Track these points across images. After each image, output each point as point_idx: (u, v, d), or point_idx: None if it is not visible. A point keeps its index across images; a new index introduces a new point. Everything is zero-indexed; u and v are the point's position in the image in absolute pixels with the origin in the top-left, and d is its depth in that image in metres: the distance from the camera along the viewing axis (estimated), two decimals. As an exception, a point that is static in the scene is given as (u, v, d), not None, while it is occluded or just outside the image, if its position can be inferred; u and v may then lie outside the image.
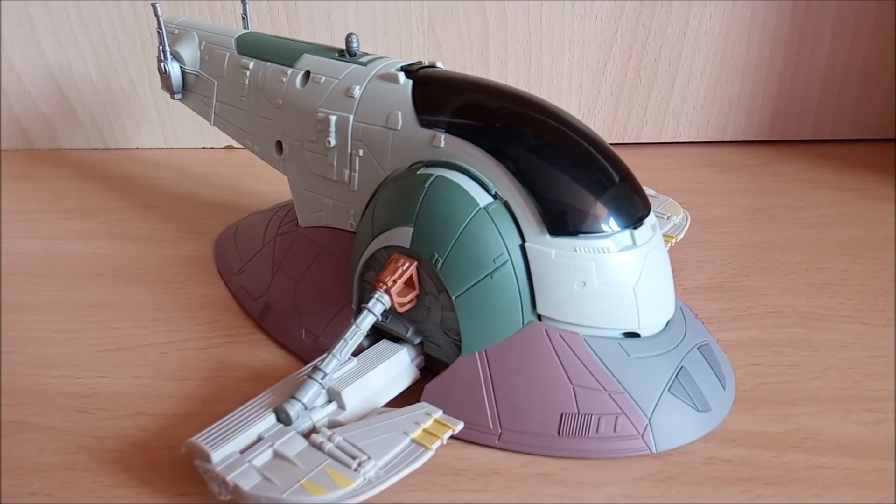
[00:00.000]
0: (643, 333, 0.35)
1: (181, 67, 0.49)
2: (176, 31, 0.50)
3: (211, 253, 0.52)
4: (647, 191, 0.54)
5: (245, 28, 0.52)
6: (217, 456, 0.29)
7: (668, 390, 0.34)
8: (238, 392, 0.38)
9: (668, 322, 0.36)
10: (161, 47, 0.48)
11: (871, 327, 0.42)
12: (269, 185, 0.62)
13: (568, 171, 0.34)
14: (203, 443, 0.30)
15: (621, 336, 0.35)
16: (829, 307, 0.45)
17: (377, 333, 0.38)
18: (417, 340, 0.37)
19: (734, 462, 0.33)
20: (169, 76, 0.49)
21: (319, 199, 0.42)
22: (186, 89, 0.50)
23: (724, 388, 0.36)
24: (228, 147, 0.73)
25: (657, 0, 0.66)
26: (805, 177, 0.65)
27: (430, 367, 0.37)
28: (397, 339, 0.37)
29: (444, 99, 0.37)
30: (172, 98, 0.51)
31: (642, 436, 0.33)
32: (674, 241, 0.48)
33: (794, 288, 0.47)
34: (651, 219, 0.36)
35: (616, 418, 0.33)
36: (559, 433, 0.33)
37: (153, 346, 0.41)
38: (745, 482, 0.32)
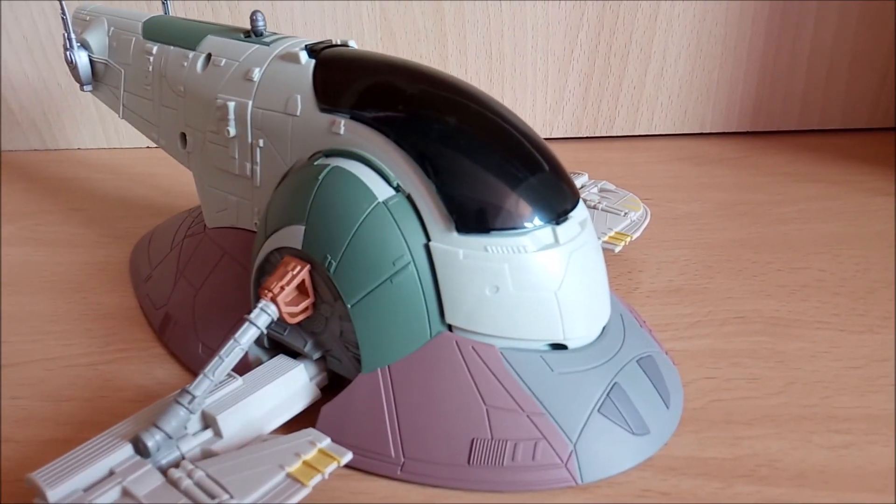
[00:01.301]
0: (570, 345, 0.30)
1: (89, 56, 0.45)
2: (87, 18, 0.46)
3: (127, 259, 0.48)
4: (605, 185, 0.50)
5: (165, 13, 0.48)
6: (54, 495, 0.25)
7: (598, 410, 0.29)
8: (120, 415, 0.33)
9: (602, 331, 0.32)
10: (66, 35, 0.44)
11: (847, 334, 0.38)
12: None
13: (479, 160, 0.29)
14: (42, 479, 0.26)
15: (546, 348, 0.30)
16: (801, 311, 0.40)
17: (277, 347, 0.33)
18: (317, 355, 0.32)
19: (672, 495, 0.28)
20: (76, 66, 0.45)
21: (224, 196, 0.38)
22: (96, 80, 0.46)
23: (668, 407, 0.31)
24: (173, 146, 0.68)
25: (625, -21, 0.61)
26: (786, 170, 0.60)
27: (337, 385, 0.33)
28: (297, 354, 0.33)
29: (346, 80, 0.33)
30: (82, 89, 0.46)
31: (566, 464, 0.28)
32: (628, 239, 0.43)
33: (763, 290, 0.42)
34: (579, 213, 0.31)
35: (535, 444, 0.28)
36: (469, 462, 0.28)
37: (39, 362, 0.37)
38: (684, 519, 0.27)
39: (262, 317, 0.29)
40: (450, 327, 0.30)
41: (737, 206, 0.53)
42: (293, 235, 0.30)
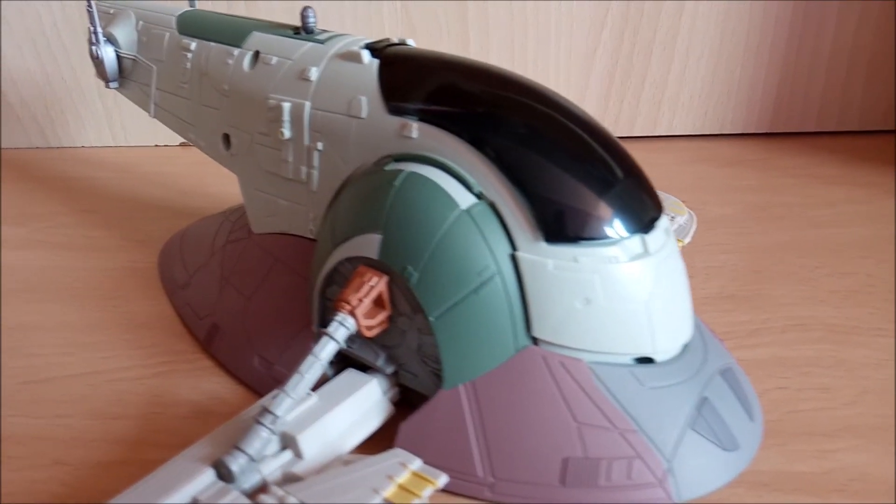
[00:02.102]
0: (658, 358, 0.29)
1: (116, 51, 0.43)
2: (111, 11, 0.44)
3: (155, 264, 0.45)
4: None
5: (192, 6, 0.46)
6: (136, 528, 0.23)
7: (691, 427, 0.28)
8: (175, 433, 0.32)
9: (685, 343, 0.31)
10: (92, 29, 0.42)
11: (907, 341, 0.37)
12: (223, 185, 0.56)
13: (566, 166, 0.28)
14: (120, 510, 0.24)
15: (632, 362, 0.29)
16: (858, 318, 0.39)
17: (343, 360, 0.32)
18: (390, 370, 0.31)
19: (770, 512, 0.27)
20: (102, 62, 0.43)
21: (274, 200, 0.36)
22: (123, 76, 0.44)
23: (752, 420, 0.31)
24: (184, 144, 0.66)
25: (650, -21, 0.60)
26: (811, 171, 0.60)
27: (406, 400, 0.31)
28: (366, 367, 0.31)
29: (417, 81, 0.31)
30: (107, 87, 0.44)
31: (661, 483, 0.27)
32: (680, 245, 0.42)
33: (815, 296, 0.42)
34: (664, 221, 0.30)
35: (630, 462, 0.27)
36: (563, 482, 0.27)
37: (80, 376, 0.35)
38: (786, 538, 0.26)
39: (341, 330, 0.28)
40: (534, 340, 0.28)
41: (770, 209, 0.53)
42: (367, 244, 0.29)
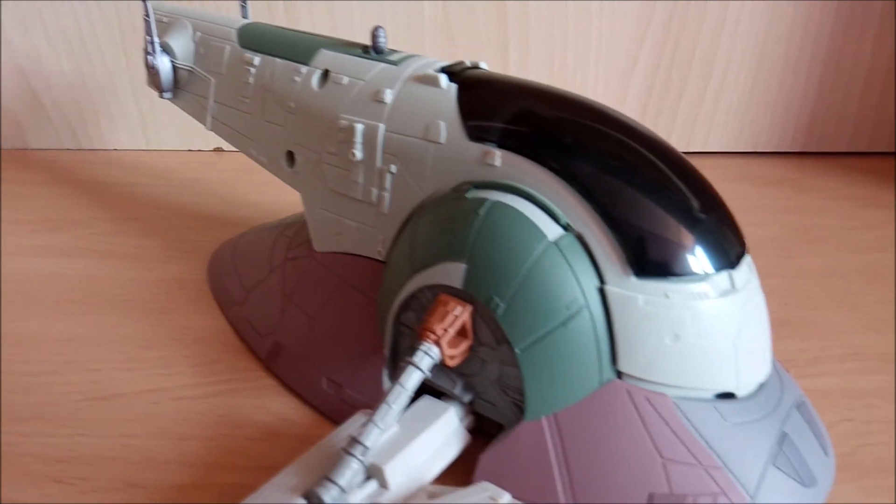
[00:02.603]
0: (739, 394, 0.29)
1: (172, 62, 0.42)
2: (165, 20, 0.44)
3: (204, 275, 0.45)
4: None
5: (244, 17, 0.45)
6: (234, 562, 0.23)
7: (773, 463, 0.28)
8: (247, 455, 0.31)
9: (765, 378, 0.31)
10: (149, 38, 0.42)
11: (967, 374, 0.38)
12: (264, 193, 0.56)
13: (657, 199, 0.28)
14: (214, 543, 0.24)
15: (714, 397, 0.29)
16: (913, 348, 0.40)
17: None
18: (468, 398, 0.30)
19: (853, 552, 0.27)
20: (158, 72, 0.42)
21: (340, 220, 0.36)
22: (178, 87, 0.44)
23: (827, 455, 0.31)
24: (217, 149, 0.66)
25: (692, -5, 0.60)
26: (847, 193, 0.60)
27: (479, 427, 0.31)
28: (440, 393, 0.31)
29: (499, 107, 0.31)
30: (161, 96, 0.44)
31: (745, 520, 0.27)
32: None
33: (869, 325, 0.42)
34: (747, 257, 0.30)
35: (715, 499, 0.27)
36: (647, 517, 0.27)
37: (143, 393, 0.35)
38: (872, 579, 0.26)
39: (426, 360, 0.28)
40: (619, 373, 0.28)
41: (814, 232, 0.53)
42: (450, 273, 0.29)
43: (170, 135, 0.65)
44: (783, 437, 0.29)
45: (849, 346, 0.40)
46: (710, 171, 0.69)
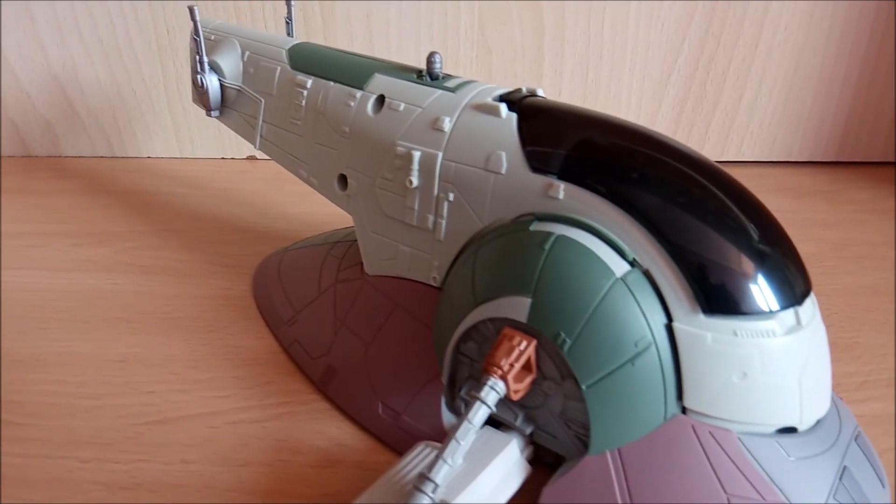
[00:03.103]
0: (801, 428, 0.29)
1: (220, 81, 0.43)
2: (212, 38, 0.44)
3: (248, 291, 0.45)
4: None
5: (288, 34, 0.45)
6: None
7: (833, 496, 0.28)
8: (308, 483, 0.32)
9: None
10: (198, 57, 0.42)
11: None
12: (299, 204, 0.56)
13: (724, 233, 0.28)
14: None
15: (776, 432, 0.29)
16: (961, 373, 0.40)
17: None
18: (529, 430, 0.31)
19: (918, 589, 0.27)
20: (207, 91, 0.42)
21: (394, 245, 0.36)
22: (225, 105, 0.44)
23: (884, 486, 0.31)
24: (251, 158, 0.66)
25: (731, 4, 0.60)
26: (885, 206, 0.60)
27: (537, 457, 0.31)
28: (499, 424, 0.31)
29: (560, 138, 0.31)
30: (208, 115, 0.44)
31: (809, 556, 0.27)
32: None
33: (914, 347, 0.42)
34: (811, 294, 0.30)
35: (779, 535, 0.27)
36: (713, 554, 0.27)
37: (199, 417, 0.35)
38: None
39: (492, 395, 0.28)
40: (683, 409, 0.28)
41: (853, 248, 0.53)
42: (514, 307, 0.29)
43: (203, 143, 0.65)
44: (843, 471, 0.29)
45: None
46: (745, 181, 0.69)
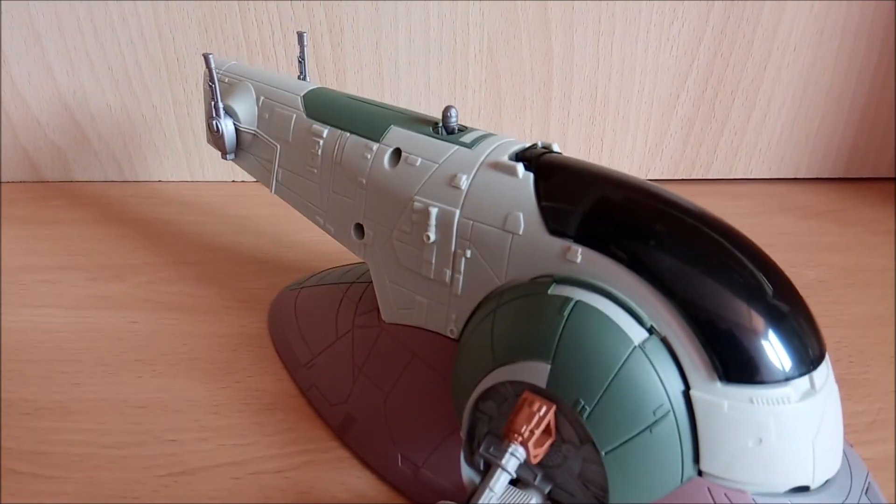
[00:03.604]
0: (814, 486, 0.30)
1: (235, 125, 0.43)
2: (226, 80, 0.44)
3: (264, 328, 0.46)
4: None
5: (301, 73, 0.46)
6: None
7: (846, 555, 0.29)
8: (330, 538, 0.32)
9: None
10: (213, 103, 0.42)
11: None
12: (312, 231, 0.55)
13: (742, 302, 0.28)
14: None
15: (789, 490, 0.30)
16: (970, 411, 0.40)
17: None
18: (548, 489, 0.31)
19: None
20: (222, 135, 0.42)
21: (411, 296, 0.36)
22: (240, 148, 0.44)
23: (894, 538, 0.32)
24: (261, 181, 0.66)
25: (740, 26, 0.60)
26: (892, 227, 0.60)
27: (554, 510, 0.32)
28: (517, 480, 0.32)
29: (578, 202, 0.31)
30: (224, 158, 0.44)
31: None
32: (794, 330, 0.43)
33: (923, 382, 0.42)
34: (826, 354, 0.31)
35: None
36: None
37: (222, 467, 0.36)
38: None
39: (512, 461, 0.29)
40: (700, 472, 0.29)
41: (861, 274, 0.54)
42: (534, 372, 0.29)
43: (213, 166, 0.65)
44: (856, 529, 0.30)
45: (905, 408, 0.40)
46: (751, 201, 0.70)
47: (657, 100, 0.63)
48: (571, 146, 0.65)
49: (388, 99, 0.63)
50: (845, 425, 0.39)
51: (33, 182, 0.66)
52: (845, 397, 0.41)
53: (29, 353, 0.44)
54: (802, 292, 0.51)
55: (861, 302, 0.50)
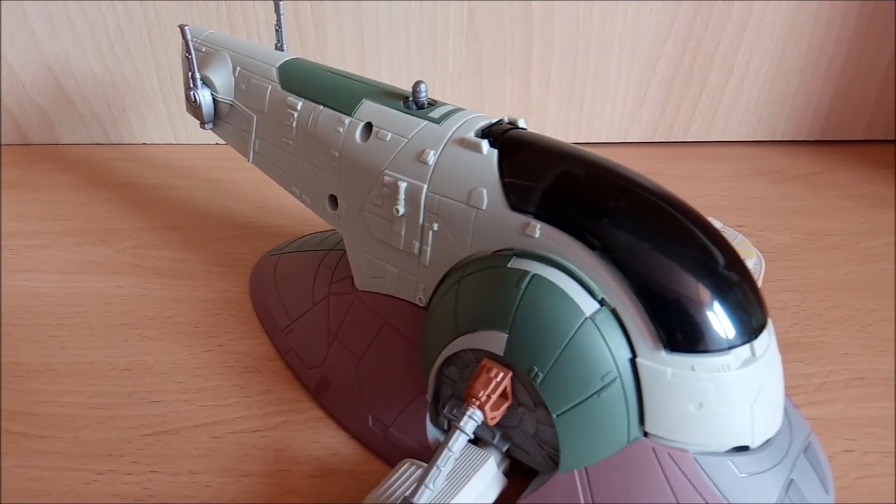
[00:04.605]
0: (753, 446, 0.32)
1: (213, 95, 0.44)
2: (203, 49, 0.45)
3: (246, 293, 0.48)
4: (714, 222, 0.51)
5: (278, 42, 0.46)
6: None
7: (780, 508, 0.31)
8: (304, 493, 0.35)
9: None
10: (191, 74, 0.43)
11: (967, 402, 0.40)
12: (292, 197, 0.58)
13: (689, 278, 0.30)
14: None
15: (730, 450, 0.32)
16: (916, 372, 0.42)
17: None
18: (505, 447, 0.34)
19: (850, 589, 0.31)
20: (200, 105, 0.43)
21: (382, 265, 0.38)
22: (219, 118, 0.45)
23: (828, 493, 0.34)
24: (245, 144, 0.67)
25: (718, -7, 0.60)
26: (864, 191, 0.62)
27: (513, 466, 0.34)
28: (478, 439, 0.34)
29: (538, 178, 0.33)
30: (203, 128, 0.45)
31: (754, 562, 0.30)
32: (752, 295, 0.44)
33: (874, 345, 0.44)
34: (769, 322, 0.32)
35: (728, 545, 0.30)
36: (667, 562, 0.31)
37: (204, 427, 0.38)
38: None
39: (470, 424, 0.31)
40: (646, 433, 0.31)
41: (827, 238, 0.55)
42: (492, 341, 0.31)
43: (197, 130, 0.66)
44: (790, 484, 0.32)
45: (854, 370, 0.42)
46: (727, 164, 0.71)
47: (636, 63, 0.64)
48: (552, 110, 0.66)
49: (369, 62, 0.63)
50: (796, 386, 0.41)
51: (19, 145, 0.67)
52: (798, 359, 0.44)
53: (20, 318, 0.45)
54: (768, 256, 0.53)
55: (824, 266, 0.52)
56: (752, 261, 0.47)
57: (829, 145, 0.69)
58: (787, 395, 0.37)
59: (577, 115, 0.66)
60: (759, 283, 0.45)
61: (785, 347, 0.44)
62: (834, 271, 0.51)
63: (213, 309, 0.46)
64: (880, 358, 0.43)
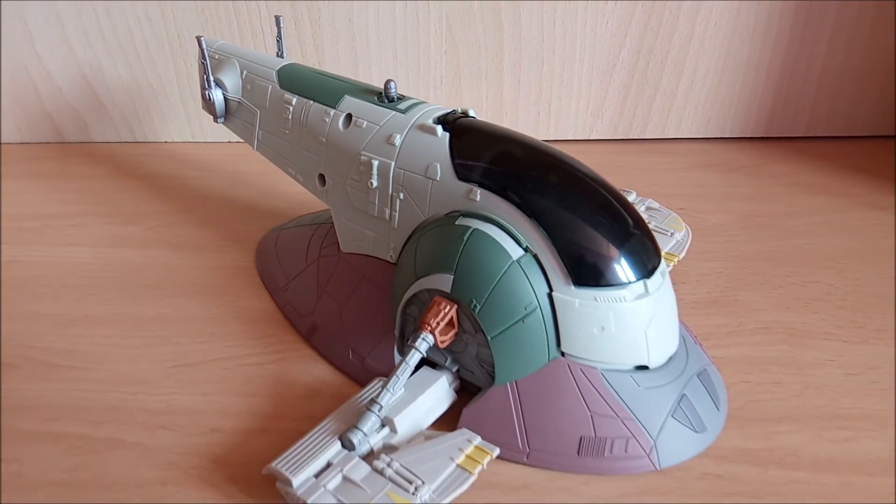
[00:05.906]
0: (651, 366, 0.40)
1: (224, 94, 0.53)
2: (216, 56, 0.54)
3: (252, 262, 0.56)
4: (651, 203, 0.60)
5: (279, 51, 0.55)
6: (297, 481, 0.35)
7: (672, 416, 0.39)
8: (297, 408, 0.43)
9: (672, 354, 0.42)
10: (206, 76, 0.52)
11: (848, 344, 0.48)
12: (293, 185, 0.66)
13: (591, 228, 0.38)
14: (283, 469, 0.35)
15: (633, 369, 0.40)
16: (812, 323, 0.50)
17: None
18: (455, 368, 0.42)
19: (724, 477, 0.39)
20: (213, 103, 0.52)
21: (361, 230, 0.47)
22: (229, 114, 0.54)
23: (718, 409, 0.42)
24: (253, 141, 0.76)
25: (667, 4, 0.68)
26: (798, 179, 0.70)
27: (464, 388, 0.43)
28: (435, 365, 0.43)
29: (479, 155, 0.41)
30: (215, 122, 0.54)
31: (648, 455, 0.38)
32: (676, 259, 0.53)
33: (782, 303, 0.52)
34: (662, 265, 0.40)
35: (627, 441, 0.38)
36: (579, 453, 0.39)
37: (216, 361, 0.47)
38: (733, 496, 0.38)
39: (423, 344, 0.39)
40: (562, 353, 0.39)
41: (757, 218, 0.63)
42: (442, 281, 0.40)
43: (212, 130, 0.75)
44: (682, 397, 0.40)
45: (762, 321, 0.50)
46: (681, 158, 0.80)
47: (596, 69, 0.72)
48: (523, 110, 0.74)
49: (360, 68, 0.72)
50: (709, 333, 0.49)
51: (57, 143, 0.76)
52: (715, 313, 0.52)
53: (62, 280, 0.54)
54: (703, 233, 0.61)
55: (750, 241, 0.60)
56: (681, 233, 0.56)
57: (772, 141, 0.77)
58: (694, 336, 0.46)
59: (546, 115, 0.75)
60: (684, 252, 0.54)
61: (705, 304, 0.52)
62: (759, 245, 0.59)
63: (225, 274, 0.55)
64: (787, 313, 0.51)
